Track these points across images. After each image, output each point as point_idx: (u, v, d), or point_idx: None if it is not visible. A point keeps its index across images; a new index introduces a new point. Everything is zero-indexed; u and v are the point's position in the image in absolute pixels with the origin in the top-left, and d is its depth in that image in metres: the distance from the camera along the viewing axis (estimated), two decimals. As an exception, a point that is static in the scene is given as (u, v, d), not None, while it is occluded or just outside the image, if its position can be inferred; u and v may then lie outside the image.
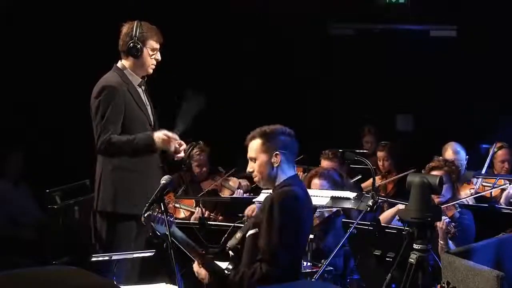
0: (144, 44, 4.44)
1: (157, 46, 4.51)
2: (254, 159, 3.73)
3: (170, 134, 4.43)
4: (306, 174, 6.34)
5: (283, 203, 3.54)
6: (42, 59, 7.46)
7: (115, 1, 7.51)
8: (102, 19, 6.90)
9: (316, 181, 5.13)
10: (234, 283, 3.50)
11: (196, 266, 3.73)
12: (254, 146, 3.72)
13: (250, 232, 3.58)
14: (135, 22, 4.46)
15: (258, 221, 3.58)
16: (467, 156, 6.47)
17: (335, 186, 5.09)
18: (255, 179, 3.79)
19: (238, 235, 3.71)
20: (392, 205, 5.50)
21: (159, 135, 4.42)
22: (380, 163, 6.93)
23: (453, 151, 6.36)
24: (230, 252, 3.67)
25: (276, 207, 3.51)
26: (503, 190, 5.94)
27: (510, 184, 5.87)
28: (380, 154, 6.96)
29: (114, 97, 4.34)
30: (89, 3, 7.65)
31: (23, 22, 7.43)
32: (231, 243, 3.72)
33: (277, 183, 3.69)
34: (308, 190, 4.88)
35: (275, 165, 3.67)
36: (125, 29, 4.49)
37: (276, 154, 3.66)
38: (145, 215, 3.59)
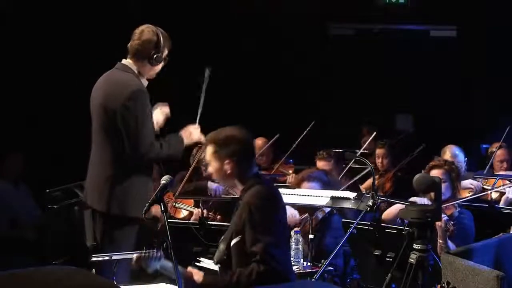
0: (163, 53, 4.38)
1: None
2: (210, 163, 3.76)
3: (190, 128, 4.46)
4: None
5: (260, 202, 3.55)
6: (41, 60, 7.46)
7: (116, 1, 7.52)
8: (103, 22, 6.90)
9: (306, 185, 5.11)
10: (232, 284, 3.50)
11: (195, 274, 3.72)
12: (207, 151, 3.74)
13: (234, 241, 3.58)
14: (156, 29, 4.33)
15: (239, 228, 3.57)
16: (466, 159, 6.45)
17: (324, 186, 5.08)
18: (216, 181, 3.82)
19: (222, 247, 3.71)
20: (391, 204, 5.47)
21: (183, 133, 4.44)
22: (378, 161, 6.89)
23: (451, 154, 6.30)
24: (218, 266, 3.67)
25: (255, 208, 3.52)
26: (502, 193, 5.90)
27: (509, 187, 5.83)
28: (379, 151, 6.92)
29: (147, 102, 4.25)
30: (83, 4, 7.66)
31: (21, 24, 7.43)
32: (217, 257, 3.72)
33: (243, 186, 3.68)
34: (307, 191, 4.91)
35: (228, 172, 3.67)
36: (146, 34, 4.32)
37: (227, 162, 3.66)
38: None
